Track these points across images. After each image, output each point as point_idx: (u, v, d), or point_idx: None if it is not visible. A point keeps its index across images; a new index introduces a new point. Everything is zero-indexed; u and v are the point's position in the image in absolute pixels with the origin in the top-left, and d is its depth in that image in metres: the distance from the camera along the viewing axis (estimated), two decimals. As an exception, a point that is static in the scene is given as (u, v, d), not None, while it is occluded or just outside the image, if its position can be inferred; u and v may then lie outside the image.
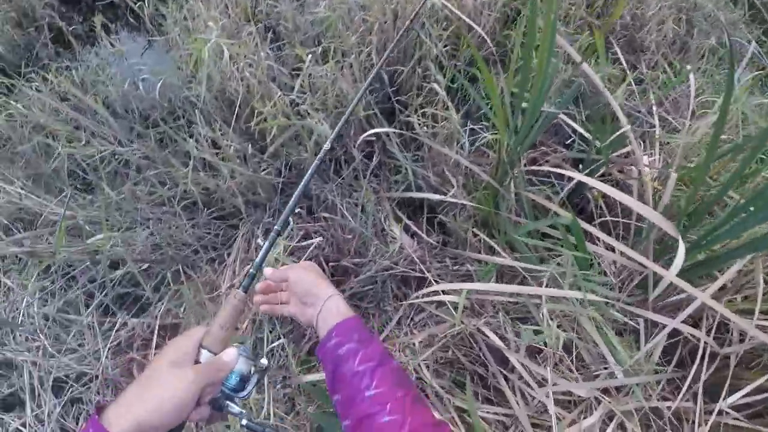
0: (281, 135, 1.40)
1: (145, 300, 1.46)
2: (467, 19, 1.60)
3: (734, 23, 2.35)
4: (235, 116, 1.41)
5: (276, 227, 0.83)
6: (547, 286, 1.42)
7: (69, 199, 1.38)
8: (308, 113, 1.40)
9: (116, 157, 1.41)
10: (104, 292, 1.43)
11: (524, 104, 1.40)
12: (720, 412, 1.28)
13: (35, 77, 1.58)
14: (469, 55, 1.69)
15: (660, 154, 1.64)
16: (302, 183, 0.90)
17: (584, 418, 1.30)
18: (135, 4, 1.73)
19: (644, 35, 1.99)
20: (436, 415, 0.72)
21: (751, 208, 1.12)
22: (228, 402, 0.70)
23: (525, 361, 1.41)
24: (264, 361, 0.75)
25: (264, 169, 1.44)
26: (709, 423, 1.28)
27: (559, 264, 1.44)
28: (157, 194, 1.40)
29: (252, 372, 0.72)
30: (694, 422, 1.31)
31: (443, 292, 1.44)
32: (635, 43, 2.01)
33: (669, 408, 1.29)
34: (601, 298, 1.24)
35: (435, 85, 1.48)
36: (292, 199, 0.88)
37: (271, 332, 1.35)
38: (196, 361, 0.67)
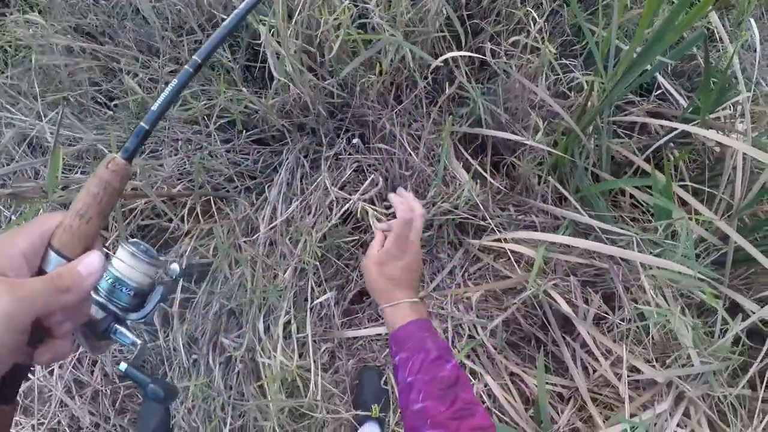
0: (353, 60, 1.16)
1: (170, 234, 1.26)
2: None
3: None
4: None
5: (196, 57, 0.47)
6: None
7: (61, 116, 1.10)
8: (382, 28, 1.16)
9: (145, 68, 1.15)
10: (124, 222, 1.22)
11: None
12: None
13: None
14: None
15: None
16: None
17: (657, 402, 1.22)
18: None
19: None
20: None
21: None
22: (117, 326, 0.46)
23: (592, 330, 1.29)
24: (175, 266, 0.51)
25: (319, 86, 1.21)
26: None
27: (644, 230, 1.29)
28: (190, 109, 1.16)
29: (154, 282, 0.47)
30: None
31: (506, 240, 1.30)
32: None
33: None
34: (710, 279, 1.10)
35: (532, 11, 1.24)
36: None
37: (318, 285, 1.17)
38: (39, 271, 0.40)
